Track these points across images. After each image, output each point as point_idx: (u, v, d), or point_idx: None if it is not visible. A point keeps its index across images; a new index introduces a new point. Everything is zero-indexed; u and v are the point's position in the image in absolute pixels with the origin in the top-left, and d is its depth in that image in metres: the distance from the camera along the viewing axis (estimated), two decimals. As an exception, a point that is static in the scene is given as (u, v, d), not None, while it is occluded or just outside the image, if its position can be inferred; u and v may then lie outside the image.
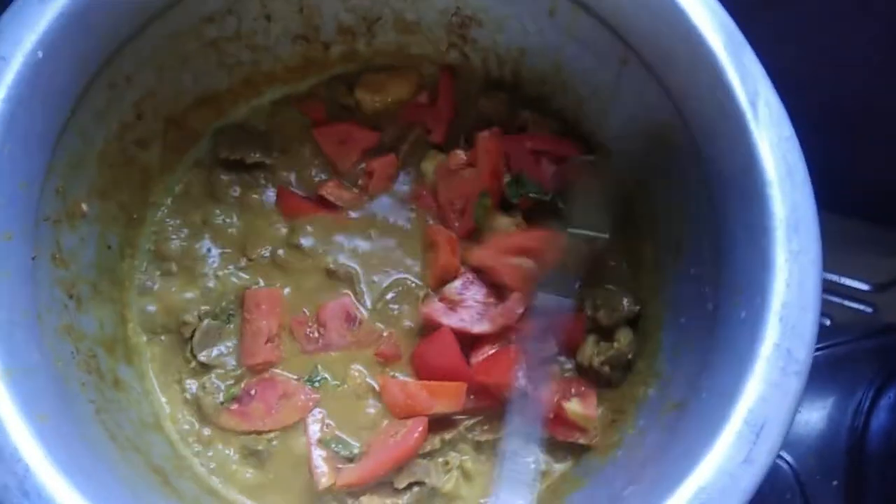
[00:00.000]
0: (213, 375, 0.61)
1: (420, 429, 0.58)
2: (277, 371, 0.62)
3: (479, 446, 0.60)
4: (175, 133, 0.63)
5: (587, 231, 0.63)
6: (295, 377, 0.61)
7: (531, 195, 0.64)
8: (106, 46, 0.52)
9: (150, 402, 0.60)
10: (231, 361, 0.62)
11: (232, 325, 0.63)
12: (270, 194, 0.66)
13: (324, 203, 0.66)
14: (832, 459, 0.64)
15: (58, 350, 0.50)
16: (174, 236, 0.65)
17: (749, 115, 0.47)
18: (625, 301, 0.61)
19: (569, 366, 0.63)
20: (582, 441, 0.59)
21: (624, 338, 0.60)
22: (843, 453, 0.64)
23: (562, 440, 0.59)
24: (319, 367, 0.62)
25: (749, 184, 0.47)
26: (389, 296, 0.64)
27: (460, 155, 0.65)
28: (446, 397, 0.58)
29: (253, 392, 0.61)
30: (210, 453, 0.60)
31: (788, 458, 0.65)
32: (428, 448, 0.58)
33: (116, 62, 0.53)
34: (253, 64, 0.64)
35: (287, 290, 0.64)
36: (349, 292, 0.64)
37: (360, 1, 0.61)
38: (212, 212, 0.65)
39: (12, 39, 0.46)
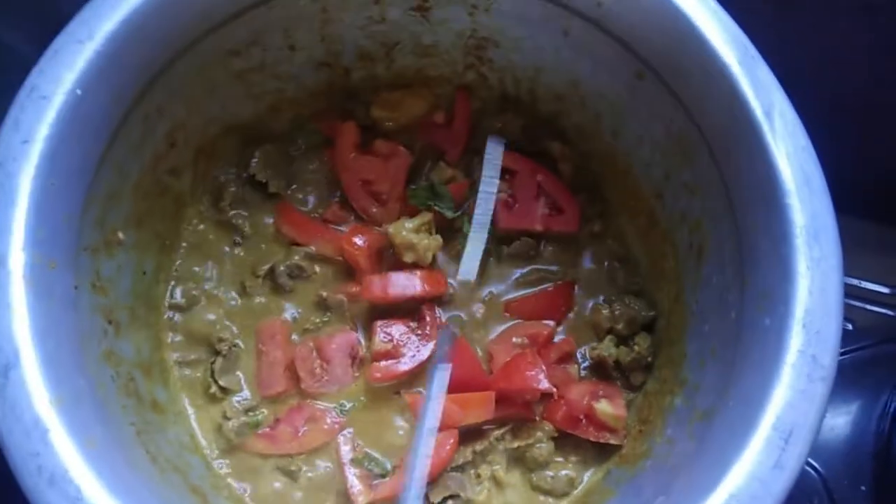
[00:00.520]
0: (232, 399, 0.62)
1: (451, 441, 0.59)
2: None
3: (509, 455, 0.61)
4: (205, 161, 0.65)
5: None
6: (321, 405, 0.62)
7: (437, 207, 0.65)
8: (138, 82, 0.54)
9: (183, 423, 0.61)
10: (247, 393, 0.63)
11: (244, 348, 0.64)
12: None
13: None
14: (859, 464, 0.65)
15: (100, 375, 0.52)
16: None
17: (765, 126, 0.49)
18: (639, 309, 0.64)
19: (585, 364, 0.64)
20: (613, 441, 0.60)
21: (643, 342, 0.63)
22: (870, 458, 0.64)
23: (593, 441, 0.60)
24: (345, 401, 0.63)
25: (768, 194, 0.48)
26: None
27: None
28: (476, 407, 0.60)
29: (279, 416, 0.62)
30: (243, 473, 0.61)
31: (815, 463, 0.65)
32: (461, 461, 0.59)
33: (148, 96, 0.55)
34: (278, 92, 0.66)
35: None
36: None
37: (379, 27, 0.62)
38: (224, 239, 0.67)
39: (52, 78, 0.48)
